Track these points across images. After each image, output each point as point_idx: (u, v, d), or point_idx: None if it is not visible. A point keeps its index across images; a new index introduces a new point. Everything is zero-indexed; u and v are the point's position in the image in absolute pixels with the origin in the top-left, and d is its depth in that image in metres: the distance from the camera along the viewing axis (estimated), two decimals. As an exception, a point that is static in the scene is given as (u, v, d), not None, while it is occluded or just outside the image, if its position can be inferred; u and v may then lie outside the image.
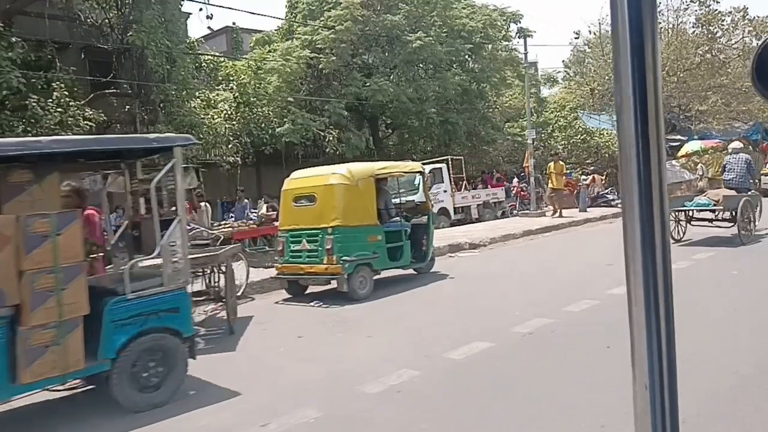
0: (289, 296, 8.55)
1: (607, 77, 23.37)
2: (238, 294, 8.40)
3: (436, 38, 19.73)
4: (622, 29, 0.67)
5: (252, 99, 19.23)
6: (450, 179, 17.00)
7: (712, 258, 9.32)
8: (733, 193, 11.71)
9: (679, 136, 25.07)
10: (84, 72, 20.37)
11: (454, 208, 16.99)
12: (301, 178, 8.49)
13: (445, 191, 16.66)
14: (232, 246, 7.87)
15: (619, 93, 0.68)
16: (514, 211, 18.85)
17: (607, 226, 15.86)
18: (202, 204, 11.69)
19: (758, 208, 12.17)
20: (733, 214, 11.16)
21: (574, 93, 26.22)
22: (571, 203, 20.49)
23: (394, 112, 21.29)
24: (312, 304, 7.87)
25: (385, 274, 8.95)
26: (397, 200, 9.76)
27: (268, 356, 5.65)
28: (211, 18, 26.06)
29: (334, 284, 7.89)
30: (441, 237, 13.91)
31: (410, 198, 15.90)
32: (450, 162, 17.22)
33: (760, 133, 25.13)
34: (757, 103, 22.52)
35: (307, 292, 8.56)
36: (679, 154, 24.36)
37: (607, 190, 20.41)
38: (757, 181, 13.06)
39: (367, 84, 18.86)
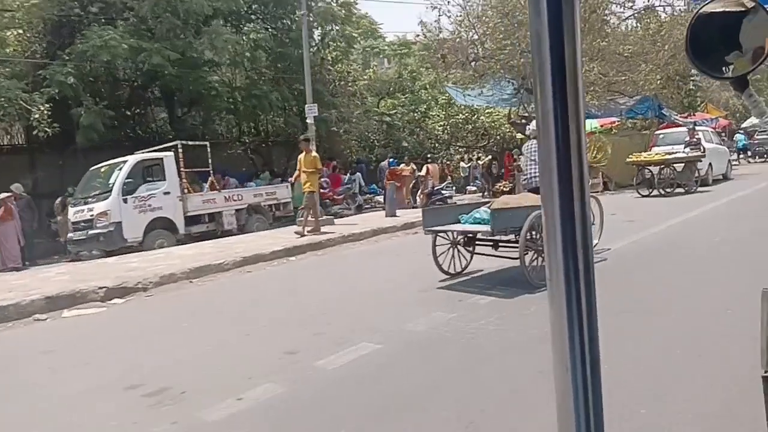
0: None
1: (458, 39, 18.38)
2: None
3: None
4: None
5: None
6: (180, 175, 11.59)
7: (415, 344, 4.28)
8: (530, 199, 7.05)
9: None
10: None
11: (188, 216, 11.61)
12: None
13: (167, 193, 11.23)
14: None
15: (538, 77, 0.61)
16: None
17: (398, 240, 10.89)
18: None
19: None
20: (517, 237, 6.40)
21: (426, 61, 21.11)
22: (401, 201, 15.58)
23: (166, 81, 15.69)
24: None
25: None
26: None
27: None
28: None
29: None
30: (66, 275, 8.66)
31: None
32: (180, 150, 11.77)
33: (653, 110, 20.70)
34: (642, 72, 17.95)
35: None
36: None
37: (442, 185, 15.47)
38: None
39: (93, 39, 13.11)
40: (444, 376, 3.72)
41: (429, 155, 17.43)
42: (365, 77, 24.80)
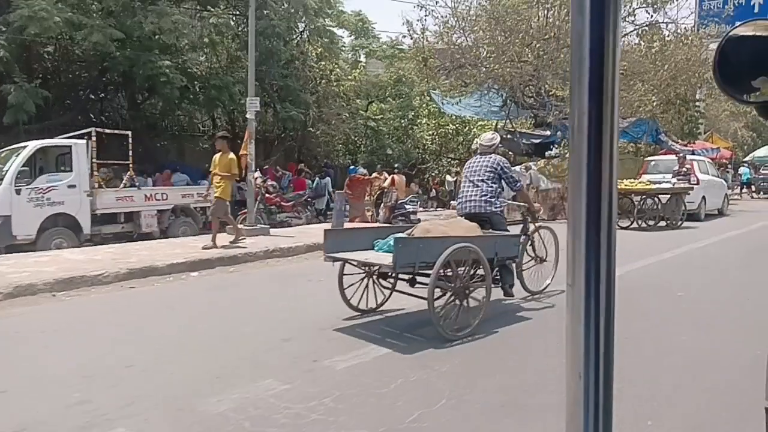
0: None
1: (438, 42, 17.04)
2: None
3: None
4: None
5: None
6: (91, 167, 10.28)
7: None
8: (461, 228, 5.87)
9: (546, 132, 19.04)
10: None
11: (98, 215, 10.27)
12: None
13: (72, 186, 9.90)
14: None
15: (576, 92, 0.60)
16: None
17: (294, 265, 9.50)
18: None
19: (519, 261, 6.24)
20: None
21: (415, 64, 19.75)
22: (362, 213, 14.24)
23: (115, 63, 14.44)
24: None
25: None
26: None
27: None
28: None
29: None
30: None
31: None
32: (94, 137, 10.42)
33: (650, 134, 19.24)
34: (637, 92, 16.53)
35: None
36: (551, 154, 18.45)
37: (406, 199, 14.08)
38: (531, 205, 6.65)
39: (21, 8, 11.85)
40: None
41: (396, 166, 15.97)
42: (350, 77, 23.43)
